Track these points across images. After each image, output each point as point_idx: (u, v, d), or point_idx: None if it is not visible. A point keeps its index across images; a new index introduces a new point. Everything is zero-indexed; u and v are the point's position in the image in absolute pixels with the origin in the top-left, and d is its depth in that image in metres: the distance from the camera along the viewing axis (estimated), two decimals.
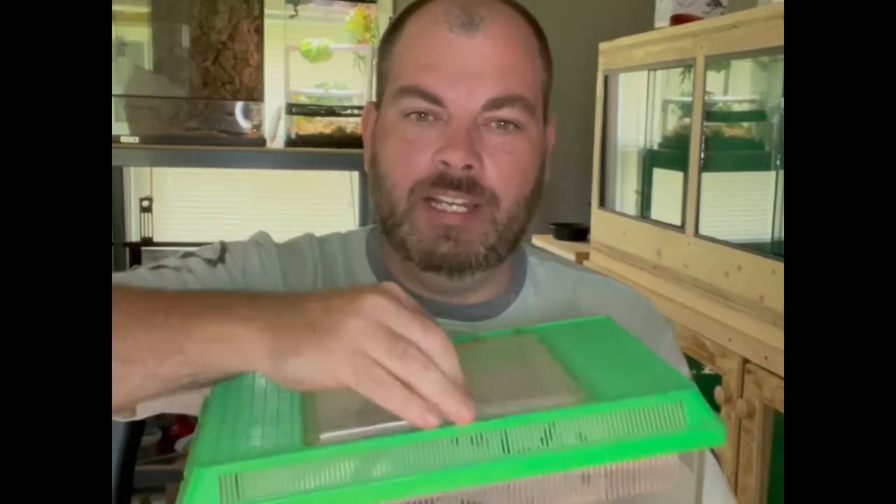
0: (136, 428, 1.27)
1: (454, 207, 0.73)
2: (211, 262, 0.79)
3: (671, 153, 2.07)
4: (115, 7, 2.25)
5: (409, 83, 0.74)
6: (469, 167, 0.72)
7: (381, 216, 0.78)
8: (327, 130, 2.33)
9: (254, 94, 2.30)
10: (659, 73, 2.12)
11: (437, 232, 0.73)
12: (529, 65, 0.77)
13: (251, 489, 0.47)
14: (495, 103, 0.73)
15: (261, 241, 0.83)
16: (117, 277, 0.75)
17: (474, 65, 0.72)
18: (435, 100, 0.73)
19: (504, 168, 0.73)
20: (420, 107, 0.73)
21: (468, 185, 0.72)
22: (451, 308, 0.79)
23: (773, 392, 1.35)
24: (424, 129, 0.73)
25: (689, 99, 1.85)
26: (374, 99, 0.83)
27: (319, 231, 0.89)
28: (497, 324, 0.80)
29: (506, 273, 0.82)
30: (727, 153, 1.88)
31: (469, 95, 0.72)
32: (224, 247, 0.81)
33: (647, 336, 0.81)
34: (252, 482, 0.47)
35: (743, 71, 1.83)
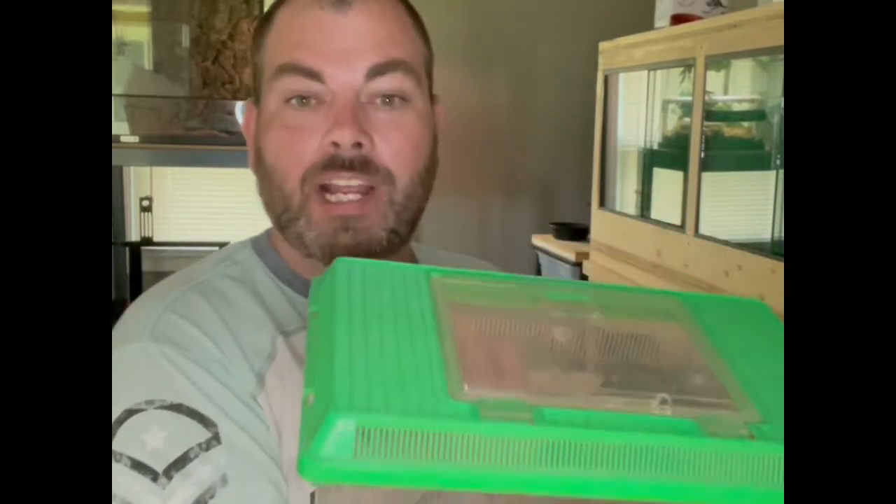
0: None
1: (349, 196, 0.70)
2: (215, 439, 0.64)
3: (671, 153, 2.07)
4: (115, 7, 2.25)
5: (285, 61, 0.71)
6: (359, 145, 0.69)
7: (273, 213, 0.74)
8: None
9: None
10: (659, 72, 2.12)
11: (334, 224, 0.70)
12: (407, 36, 0.74)
13: (387, 444, 0.44)
14: (377, 69, 0.70)
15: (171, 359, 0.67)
16: None
17: (351, 41, 0.71)
18: (314, 75, 0.70)
19: (395, 144, 0.71)
20: (300, 87, 0.71)
21: (361, 165, 0.69)
22: None
23: None
24: (308, 114, 0.71)
25: (689, 99, 1.85)
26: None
27: None
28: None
29: (408, 255, 0.81)
30: (727, 153, 1.89)
31: (349, 69, 0.70)
32: (183, 408, 0.64)
33: None
34: (390, 437, 0.44)
35: (743, 71, 1.83)
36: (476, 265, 0.92)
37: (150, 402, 0.64)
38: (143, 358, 0.66)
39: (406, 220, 0.73)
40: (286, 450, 0.68)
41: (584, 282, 0.63)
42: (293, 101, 0.71)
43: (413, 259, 0.83)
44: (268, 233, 0.80)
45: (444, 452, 0.44)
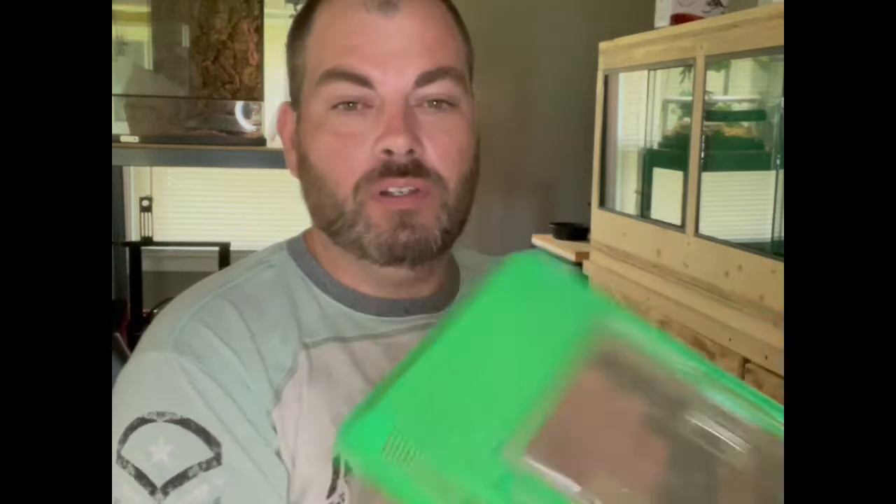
0: None
1: (405, 192, 0.70)
2: (216, 459, 0.65)
3: (671, 153, 2.07)
4: (115, 7, 2.25)
5: (333, 66, 0.70)
6: (411, 151, 0.69)
7: (324, 219, 0.73)
8: None
9: (254, 93, 2.30)
10: (659, 72, 2.12)
11: (393, 220, 0.70)
12: (452, 38, 0.74)
13: (412, 463, 0.43)
14: (427, 77, 0.70)
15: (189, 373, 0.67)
16: None
17: (398, 44, 0.70)
18: (363, 81, 0.69)
19: (443, 148, 0.71)
20: (348, 93, 0.70)
21: (414, 169, 0.69)
22: (420, 302, 0.77)
23: (773, 391, 1.36)
24: (356, 119, 0.70)
25: (689, 99, 1.85)
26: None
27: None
28: (458, 309, 0.80)
29: (445, 259, 0.81)
30: (727, 153, 1.89)
31: (398, 74, 0.69)
32: (191, 424, 0.65)
33: None
34: (417, 460, 0.43)
35: (743, 71, 1.83)
36: None
37: (161, 414, 0.65)
38: (163, 368, 0.67)
39: (457, 221, 0.74)
40: (301, 469, 0.68)
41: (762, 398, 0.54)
42: (340, 107, 0.70)
43: (452, 257, 0.84)
44: (304, 236, 0.80)
45: (458, 499, 0.43)
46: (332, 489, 0.67)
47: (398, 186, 0.69)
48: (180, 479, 0.63)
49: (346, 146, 0.70)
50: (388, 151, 0.69)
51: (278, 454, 0.67)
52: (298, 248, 0.78)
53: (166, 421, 0.65)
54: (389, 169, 0.69)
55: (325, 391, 0.69)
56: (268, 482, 0.66)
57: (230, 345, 0.68)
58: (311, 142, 0.73)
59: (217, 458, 0.64)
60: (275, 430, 0.68)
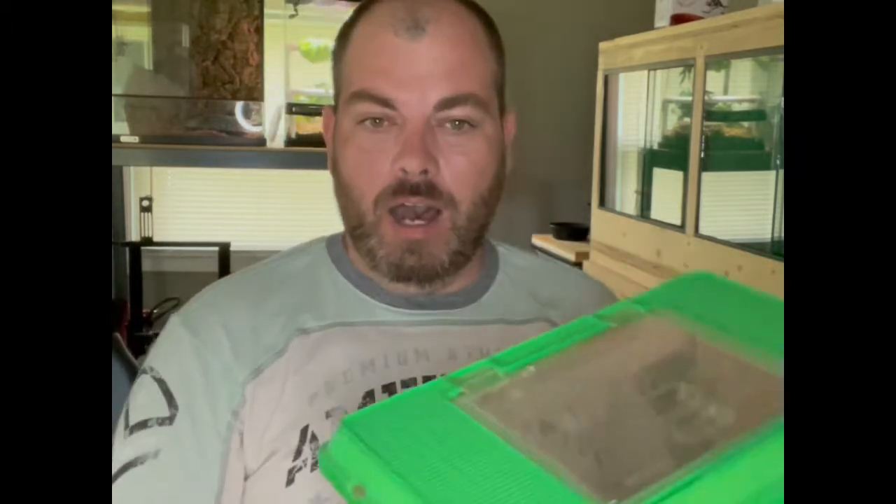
0: None
1: (416, 222, 0.75)
2: (169, 420, 0.74)
3: (671, 153, 2.07)
4: (115, 7, 2.25)
5: (360, 88, 0.75)
6: (426, 171, 0.73)
7: (348, 223, 0.80)
8: None
9: (254, 93, 2.30)
10: (659, 72, 2.12)
11: (402, 246, 0.75)
12: (480, 60, 0.78)
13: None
14: (447, 103, 0.74)
15: (183, 335, 0.78)
16: None
17: (423, 68, 0.74)
18: (386, 103, 0.74)
19: (459, 169, 0.75)
20: (373, 111, 0.75)
21: (427, 189, 0.74)
22: (434, 299, 0.81)
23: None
24: (380, 135, 0.75)
25: (689, 99, 1.85)
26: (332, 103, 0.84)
27: (317, 229, 0.90)
28: (477, 307, 0.83)
29: (476, 262, 0.84)
30: (727, 153, 1.89)
31: (420, 98, 0.74)
32: (164, 385, 0.76)
33: None
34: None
35: (743, 71, 1.83)
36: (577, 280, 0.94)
37: (152, 370, 0.77)
38: (171, 333, 0.79)
39: (469, 240, 0.78)
40: (270, 438, 0.74)
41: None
42: (367, 122, 0.75)
43: (494, 257, 0.88)
44: (343, 231, 0.86)
45: None
46: (298, 453, 0.73)
47: (410, 203, 0.74)
48: (141, 425, 0.74)
49: (369, 161, 0.76)
50: (404, 170, 0.73)
51: (230, 432, 0.74)
52: (335, 240, 0.85)
53: (152, 376, 0.77)
54: (404, 187, 0.74)
55: (310, 374, 0.75)
56: (200, 457, 0.74)
57: (227, 325, 0.77)
58: (340, 151, 0.78)
59: (171, 419, 0.74)
60: (236, 414, 0.74)
